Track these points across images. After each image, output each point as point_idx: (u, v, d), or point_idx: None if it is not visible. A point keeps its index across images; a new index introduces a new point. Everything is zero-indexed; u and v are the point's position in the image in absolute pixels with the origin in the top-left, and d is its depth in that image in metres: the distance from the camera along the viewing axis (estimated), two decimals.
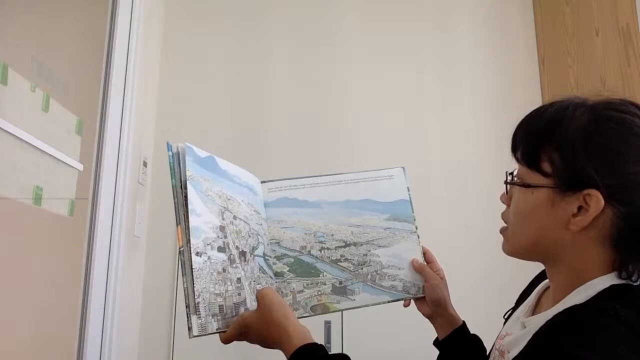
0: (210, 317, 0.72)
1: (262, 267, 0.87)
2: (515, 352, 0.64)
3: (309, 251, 0.92)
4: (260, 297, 0.76)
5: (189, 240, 0.73)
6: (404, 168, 1.07)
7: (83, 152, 1.33)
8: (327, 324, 1.80)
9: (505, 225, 0.72)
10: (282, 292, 0.89)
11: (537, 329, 0.61)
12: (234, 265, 0.79)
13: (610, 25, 1.77)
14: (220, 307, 0.75)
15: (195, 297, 0.70)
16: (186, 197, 0.75)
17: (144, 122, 1.79)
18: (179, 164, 0.77)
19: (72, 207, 1.28)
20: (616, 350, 0.52)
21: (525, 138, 0.68)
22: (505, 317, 0.83)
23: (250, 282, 0.82)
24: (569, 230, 0.62)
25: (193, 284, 0.70)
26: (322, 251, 0.92)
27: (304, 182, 0.97)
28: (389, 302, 0.93)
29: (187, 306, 0.71)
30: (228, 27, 2.07)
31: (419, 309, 0.97)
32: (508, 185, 0.71)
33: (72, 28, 1.35)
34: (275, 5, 2.10)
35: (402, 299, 0.95)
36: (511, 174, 0.70)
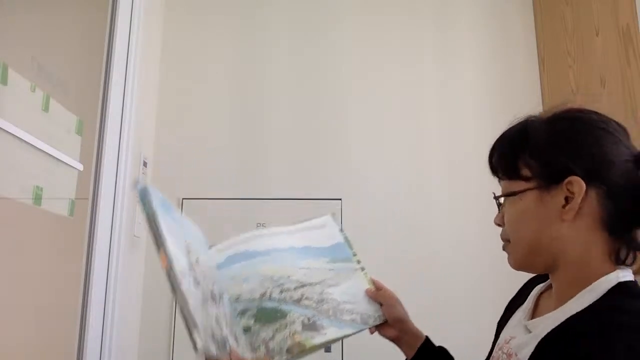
0: (209, 339, 0.69)
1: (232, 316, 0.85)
2: (526, 353, 0.65)
3: (270, 296, 0.90)
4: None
5: (172, 262, 0.70)
6: (333, 214, 1.10)
7: (83, 152, 1.33)
8: None
9: (507, 240, 0.75)
10: (253, 346, 0.85)
11: (545, 331, 0.63)
12: (210, 304, 0.76)
13: (610, 25, 1.77)
14: (213, 332, 0.72)
15: (192, 311, 0.67)
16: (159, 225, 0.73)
17: (144, 122, 1.79)
18: (149, 196, 0.75)
19: (72, 207, 1.28)
20: (639, 348, 0.55)
21: (500, 157, 0.74)
22: (499, 323, 0.85)
23: (226, 324, 0.79)
24: (564, 221, 0.66)
25: (187, 301, 0.67)
26: (283, 293, 0.91)
27: (248, 236, 0.99)
28: (353, 334, 0.94)
29: (186, 322, 0.67)
30: (228, 27, 2.07)
31: (384, 335, 0.98)
32: (499, 205, 0.75)
33: (72, 28, 1.35)
34: (275, 4, 2.10)
35: (364, 330, 0.97)
36: (497, 197, 0.75)
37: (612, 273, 0.64)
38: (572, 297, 0.65)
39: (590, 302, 0.62)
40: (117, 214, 1.47)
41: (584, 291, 0.64)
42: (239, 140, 1.97)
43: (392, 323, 0.96)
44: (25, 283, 1.10)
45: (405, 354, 0.97)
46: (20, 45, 1.06)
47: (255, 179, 1.94)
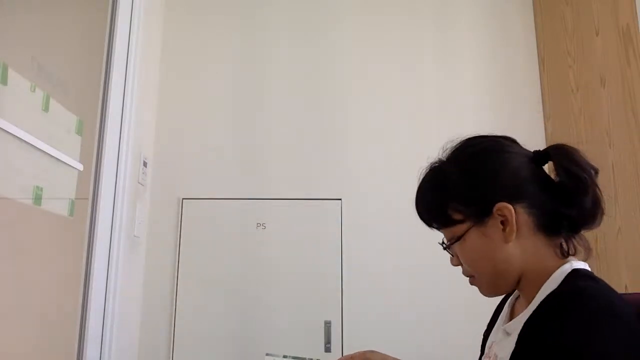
0: None
1: None
2: (507, 353, 0.69)
3: None
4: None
5: None
6: (267, 354, 1.11)
7: (83, 152, 1.33)
8: (327, 324, 1.80)
9: (471, 276, 0.81)
10: None
11: (520, 328, 0.68)
12: None
13: (610, 25, 1.77)
14: None
15: None
16: None
17: (144, 122, 1.79)
18: None
19: (72, 207, 1.28)
20: (587, 324, 0.61)
21: (429, 212, 0.79)
22: (485, 334, 0.89)
23: None
24: (509, 242, 0.73)
25: None
26: None
27: None
28: None
29: None
30: (228, 27, 2.07)
31: None
32: (449, 250, 0.80)
33: (72, 28, 1.35)
34: (275, 4, 2.10)
35: None
36: (442, 242, 0.81)
37: (566, 264, 0.71)
38: (536, 293, 0.71)
39: (552, 290, 0.68)
40: (117, 214, 1.47)
41: (544, 285, 0.71)
42: (239, 141, 1.97)
43: None
44: (25, 283, 1.10)
45: None
46: (20, 45, 1.06)
47: (255, 179, 1.95)
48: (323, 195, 1.94)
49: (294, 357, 1.05)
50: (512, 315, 0.81)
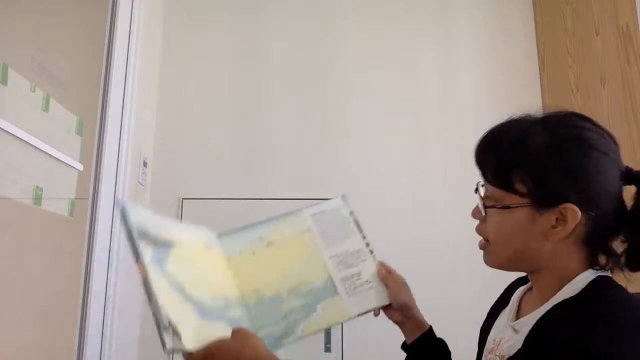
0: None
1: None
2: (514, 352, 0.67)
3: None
4: (234, 330, 0.71)
5: (146, 271, 0.71)
6: (343, 196, 1.12)
7: (83, 152, 1.33)
8: None
9: (484, 240, 0.75)
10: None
11: (529, 325, 0.66)
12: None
13: (610, 25, 1.77)
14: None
15: (162, 311, 0.68)
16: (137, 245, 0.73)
17: (144, 122, 1.79)
18: (127, 216, 0.74)
19: (72, 207, 1.28)
20: (618, 333, 0.58)
21: (492, 162, 0.72)
22: (483, 327, 0.87)
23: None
24: (549, 240, 0.67)
25: (159, 308, 0.68)
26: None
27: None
28: (358, 315, 0.96)
29: (158, 326, 0.68)
30: (228, 27, 2.07)
31: (388, 316, 0.99)
32: (482, 204, 0.73)
33: (72, 28, 1.35)
34: (275, 5, 2.10)
35: (369, 312, 0.98)
36: (482, 196, 0.74)
37: (587, 271, 0.68)
38: (552, 295, 0.68)
39: (571, 295, 0.65)
40: (117, 214, 1.47)
41: (563, 289, 0.67)
42: (238, 141, 1.97)
43: (397, 307, 0.96)
44: (25, 283, 1.10)
45: (406, 338, 0.99)
46: (20, 45, 1.06)
47: (255, 179, 1.95)
48: (323, 195, 1.93)
49: None
50: (519, 312, 0.78)
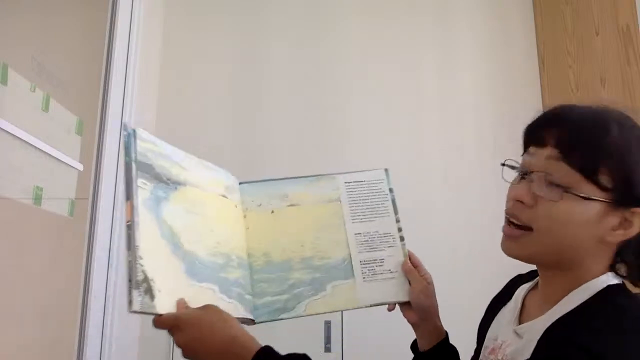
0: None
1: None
2: (520, 358, 0.64)
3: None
4: (205, 306, 0.67)
5: (136, 216, 0.64)
6: (386, 170, 1.03)
7: (83, 152, 1.33)
8: (327, 324, 1.80)
9: (522, 225, 0.67)
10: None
11: (539, 334, 0.62)
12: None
13: (610, 25, 1.77)
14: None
15: (138, 273, 0.61)
16: (137, 174, 0.66)
17: (144, 122, 1.79)
18: (131, 145, 0.68)
19: (72, 207, 1.28)
20: (634, 343, 0.56)
21: (588, 144, 0.63)
22: (481, 324, 0.84)
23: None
24: (605, 241, 0.63)
25: (137, 259, 0.61)
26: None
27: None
28: (370, 305, 0.87)
29: (130, 280, 0.62)
30: (228, 27, 2.07)
31: (404, 314, 0.91)
32: (546, 190, 0.64)
33: (72, 28, 1.35)
34: (275, 4, 2.10)
35: (384, 304, 0.90)
36: (566, 189, 0.64)
37: (603, 276, 0.64)
38: (561, 298, 0.65)
39: (581, 302, 0.63)
40: (117, 214, 1.47)
41: (573, 292, 0.64)
42: (238, 141, 1.97)
43: (415, 307, 0.88)
44: (25, 283, 1.10)
45: (419, 341, 0.92)
46: (20, 45, 1.06)
47: (255, 179, 1.94)
48: None
49: None
50: (522, 311, 0.74)
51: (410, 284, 0.89)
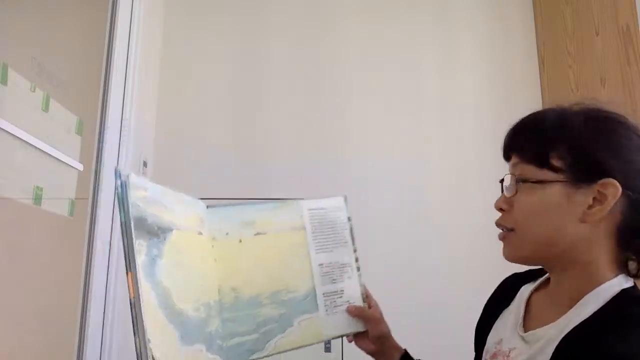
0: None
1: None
2: None
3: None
4: None
5: (140, 293, 0.60)
6: (345, 197, 1.03)
7: (83, 152, 1.33)
8: None
9: (506, 229, 0.71)
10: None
11: (554, 343, 0.61)
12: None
13: (610, 25, 1.77)
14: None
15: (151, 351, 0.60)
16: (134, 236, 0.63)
17: (144, 122, 1.79)
18: (127, 199, 0.64)
19: (72, 207, 1.28)
20: None
21: (532, 140, 0.69)
22: (479, 325, 0.83)
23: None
24: (585, 223, 0.63)
25: (146, 342, 0.59)
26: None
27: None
28: (333, 338, 0.89)
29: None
30: (228, 27, 2.07)
31: (360, 345, 0.94)
32: (510, 188, 0.70)
33: (72, 28, 1.35)
34: (275, 4, 2.10)
35: (343, 336, 0.92)
36: (521, 180, 0.69)
37: (615, 279, 0.64)
38: (573, 301, 0.64)
39: (596, 309, 0.61)
40: (117, 214, 1.47)
41: (587, 296, 0.63)
42: (239, 140, 1.97)
43: (373, 337, 0.92)
44: (25, 283, 1.10)
45: None
46: (20, 45, 1.06)
47: (255, 179, 1.95)
48: (323, 195, 1.93)
49: None
50: (527, 314, 0.73)
51: (365, 316, 0.92)
